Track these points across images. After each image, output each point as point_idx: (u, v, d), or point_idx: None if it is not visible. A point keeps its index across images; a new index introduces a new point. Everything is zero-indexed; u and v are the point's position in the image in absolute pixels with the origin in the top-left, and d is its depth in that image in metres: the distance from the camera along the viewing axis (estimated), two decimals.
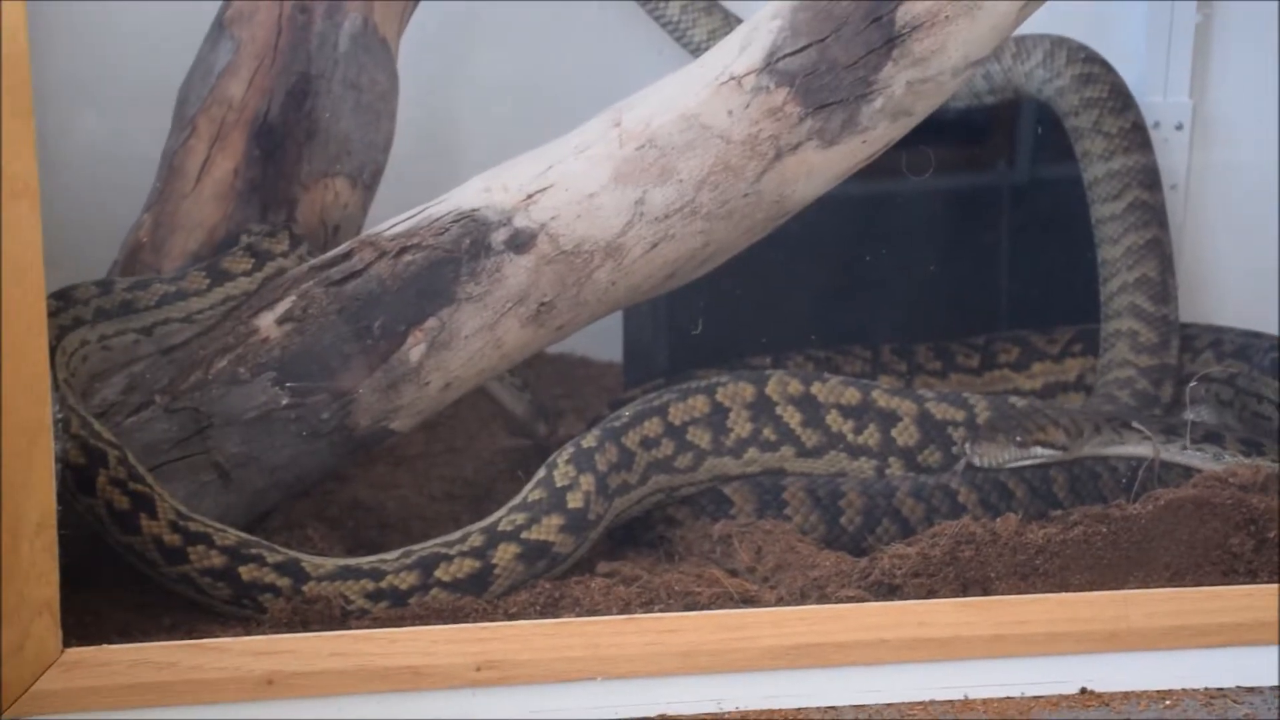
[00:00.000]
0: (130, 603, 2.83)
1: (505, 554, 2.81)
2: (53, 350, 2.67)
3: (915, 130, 2.98)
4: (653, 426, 3.03)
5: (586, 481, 2.90)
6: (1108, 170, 3.53)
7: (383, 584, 2.76)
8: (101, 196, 3.31)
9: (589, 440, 2.96)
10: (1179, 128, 3.72)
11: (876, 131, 2.92)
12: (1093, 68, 3.55)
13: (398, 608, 2.75)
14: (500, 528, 2.84)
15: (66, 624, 2.56)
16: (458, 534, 2.85)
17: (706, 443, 3.05)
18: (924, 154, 3.31)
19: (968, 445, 3.06)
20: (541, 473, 2.94)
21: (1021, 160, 3.74)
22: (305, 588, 2.76)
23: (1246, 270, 3.75)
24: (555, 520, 2.85)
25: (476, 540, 2.82)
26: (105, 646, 2.58)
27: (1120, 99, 3.55)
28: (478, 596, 2.80)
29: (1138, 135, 3.54)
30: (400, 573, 2.77)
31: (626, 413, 3.05)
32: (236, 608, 2.77)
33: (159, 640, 2.65)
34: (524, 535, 2.83)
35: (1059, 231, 3.70)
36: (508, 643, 2.61)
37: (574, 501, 2.87)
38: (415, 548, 2.82)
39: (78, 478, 2.74)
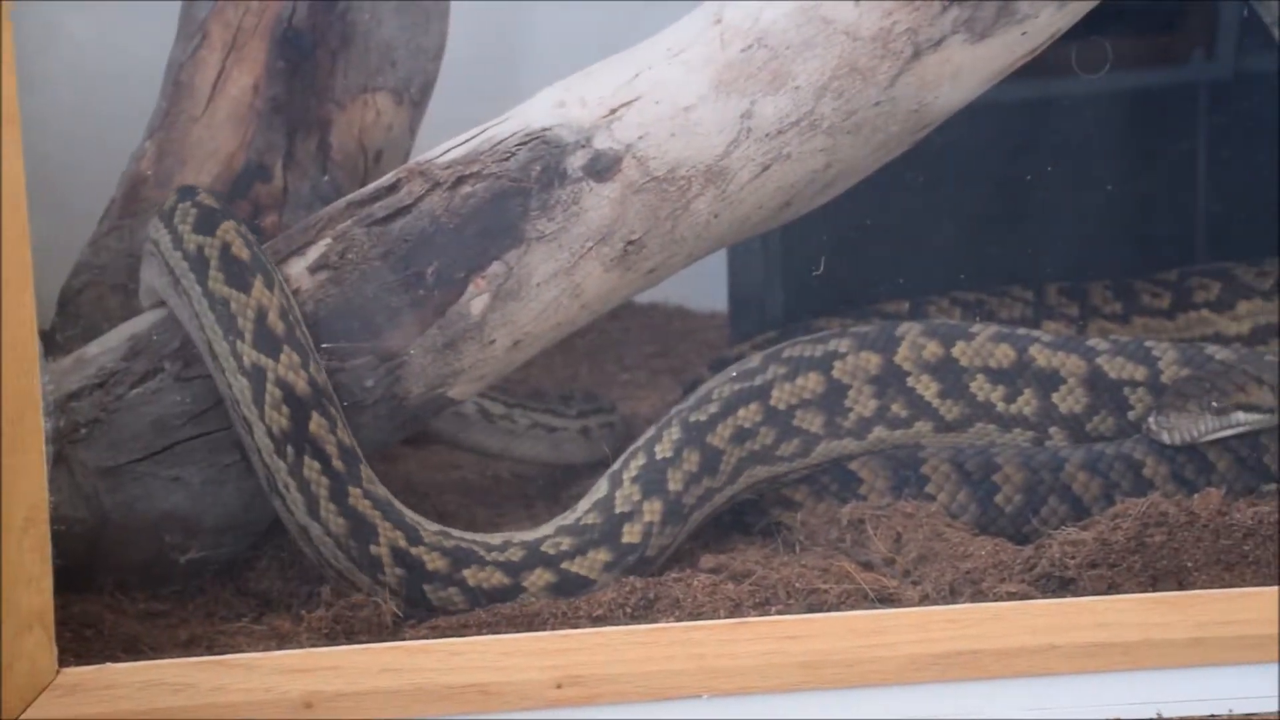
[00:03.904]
0: (138, 612, 2.87)
1: (538, 580, 2.87)
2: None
3: (1088, 17, 2.96)
4: (749, 414, 3.04)
5: (651, 510, 2.94)
6: None
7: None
8: (93, 120, 3.36)
9: (665, 445, 2.99)
10: None
11: (1039, 21, 2.91)
12: None
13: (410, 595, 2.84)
14: (543, 548, 2.89)
15: (62, 639, 2.58)
16: (499, 538, 2.92)
17: (819, 426, 3.07)
18: (1099, 46, 3.28)
19: (1150, 418, 3.04)
20: (604, 487, 2.98)
21: (1223, 51, 3.70)
22: None
23: None
24: (602, 556, 2.90)
25: (514, 555, 2.88)
26: (109, 666, 2.60)
27: None
28: (488, 611, 2.84)
29: None
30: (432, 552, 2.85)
31: (717, 396, 3.05)
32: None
33: (173, 657, 2.67)
34: (563, 565, 2.88)
35: (1270, 139, 3.64)
36: (594, 654, 2.62)
37: (630, 535, 2.92)
38: (454, 534, 2.90)
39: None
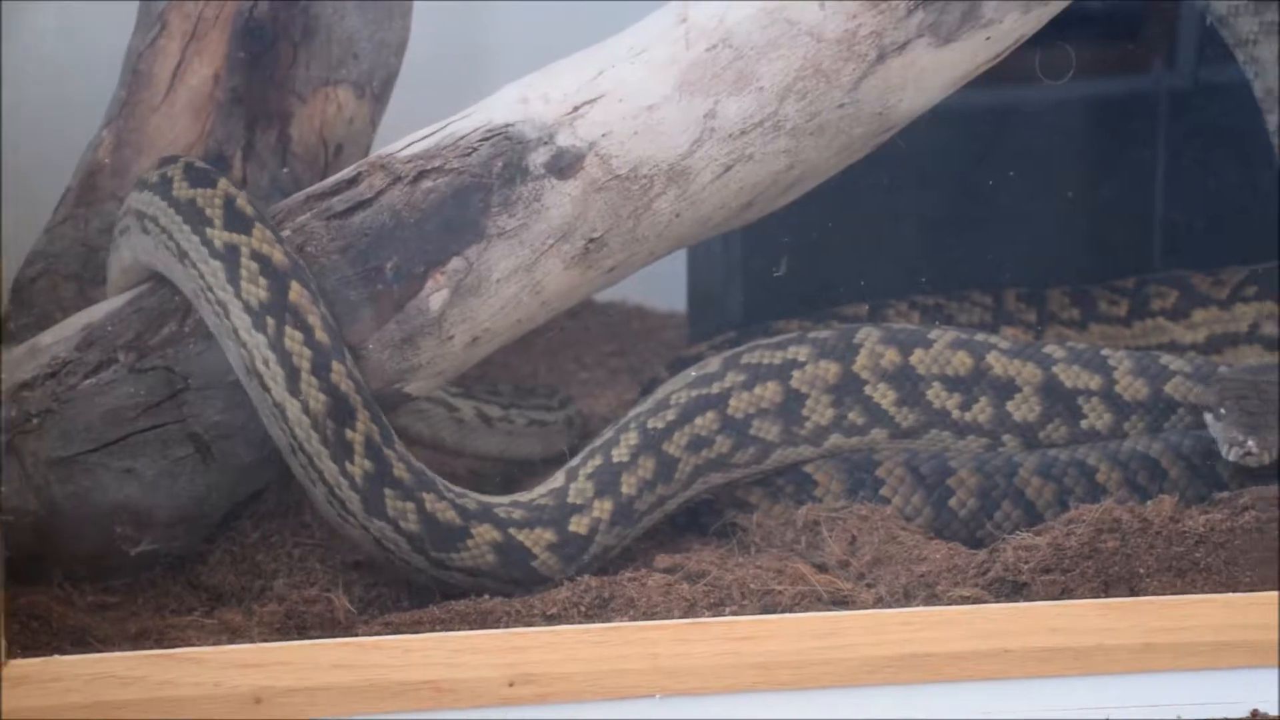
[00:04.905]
0: (87, 604, 2.85)
1: (485, 535, 2.88)
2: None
3: (1052, 24, 2.96)
4: (706, 423, 3.05)
5: (602, 508, 2.95)
6: None
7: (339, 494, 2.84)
8: (49, 108, 3.33)
9: (622, 450, 3.00)
10: None
11: (1004, 25, 2.91)
12: None
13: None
14: (496, 509, 2.92)
15: (10, 631, 2.58)
16: (459, 489, 2.93)
17: (775, 435, 3.08)
18: (1063, 53, 3.27)
19: (1235, 442, 2.97)
20: (560, 479, 2.99)
21: (1184, 61, 3.71)
22: None
23: None
24: (548, 536, 2.91)
25: (470, 504, 2.90)
26: (57, 658, 2.58)
27: None
28: (426, 556, 2.85)
29: None
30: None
31: (675, 401, 3.05)
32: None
33: (123, 650, 2.65)
34: (511, 530, 2.89)
35: (1229, 148, 3.67)
36: (548, 652, 2.62)
37: (577, 526, 2.93)
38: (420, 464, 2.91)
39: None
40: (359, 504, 2.83)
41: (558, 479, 3.00)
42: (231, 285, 2.85)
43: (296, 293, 2.84)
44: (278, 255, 2.85)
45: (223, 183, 2.91)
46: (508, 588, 2.89)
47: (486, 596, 2.84)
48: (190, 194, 2.90)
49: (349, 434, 2.83)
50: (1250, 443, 2.98)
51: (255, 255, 2.85)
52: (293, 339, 2.83)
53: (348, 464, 2.83)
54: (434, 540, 2.86)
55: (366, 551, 2.90)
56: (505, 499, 2.95)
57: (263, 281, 2.83)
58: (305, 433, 2.83)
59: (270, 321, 2.83)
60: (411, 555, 2.86)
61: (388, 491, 2.84)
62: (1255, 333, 3.60)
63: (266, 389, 2.84)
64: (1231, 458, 3.00)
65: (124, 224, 3.00)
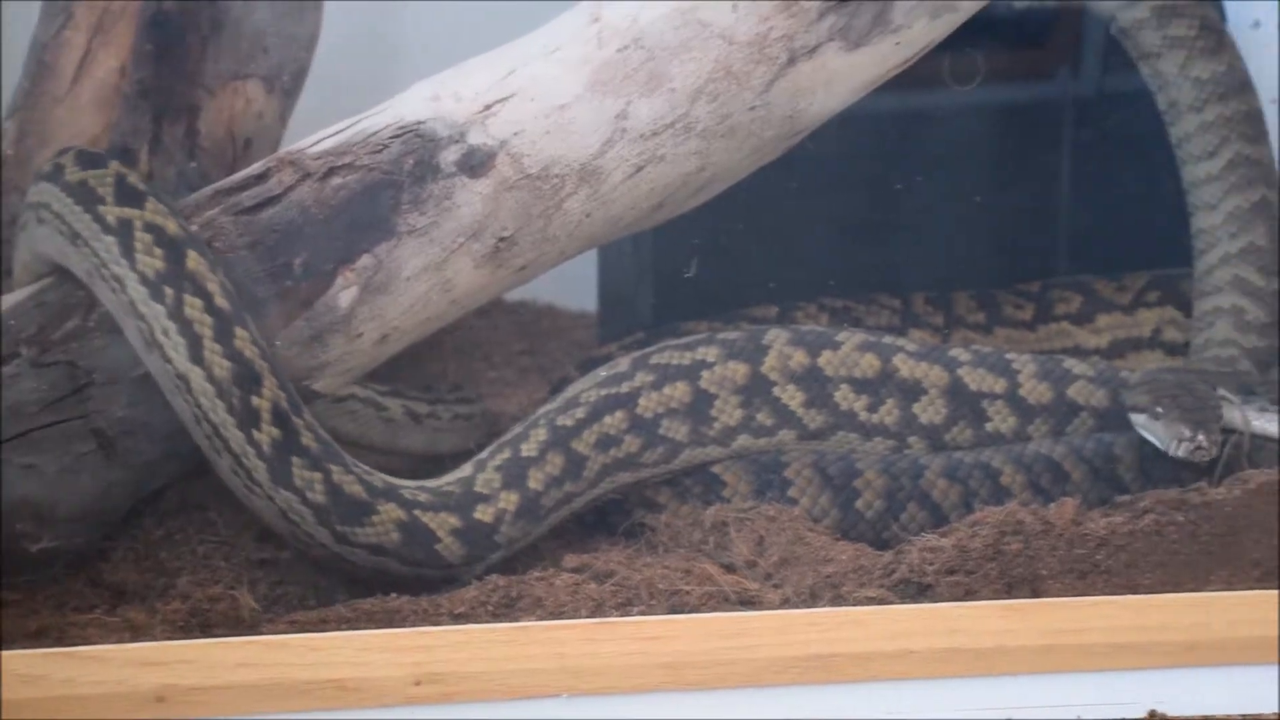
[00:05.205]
0: None
1: (390, 514, 2.87)
2: None
3: (960, 30, 2.98)
4: (615, 422, 3.05)
5: (508, 500, 2.96)
6: (1200, 123, 3.51)
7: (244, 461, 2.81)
8: None
9: (531, 445, 3.00)
10: None
11: (913, 31, 2.92)
12: None
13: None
14: (403, 490, 2.91)
15: None
16: (367, 467, 2.92)
17: (684, 435, 3.09)
18: (971, 60, 3.31)
19: (1184, 437, 2.99)
20: (468, 469, 3.00)
21: (1089, 68, 3.75)
22: None
23: None
24: (452, 521, 2.91)
25: (377, 481, 2.89)
26: None
27: (1213, 38, 3.52)
28: (331, 530, 2.83)
29: (1234, 79, 3.52)
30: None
31: (584, 400, 3.05)
32: None
33: (23, 648, 2.62)
34: (416, 512, 2.89)
35: (1133, 155, 3.71)
36: (454, 651, 2.60)
37: (482, 515, 2.93)
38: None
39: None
40: (265, 473, 2.81)
41: (465, 469, 2.99)
42: (126, 259, 2.80)
43: (194, 261, 2.80)
44: (172, 226, 2.82)
45: (114, 164, 2.88)
46: (410, 570, 2.88)
47: (394, 595, 2.82)
48: (81, 176, 2.86)
49: (255, 400, 2.79)
50: (1201, 437, 3.00)
51: (149, 227, 2.81)
52: (192, 306, 2.79)
53: (254, 431, 2.80)
54: (340, 514, 2.83)
55: (270, 524, 2.86)
56: (411, 483, 2.94)
57: (158, 252, 2.80)
58: (210, 402, 2.80)
59: (168, 291, 2.79)
60: (316, 528, 2.84)
61: (295, 460, 2.81)
62: (1158, 338, 3.64)
63: (168, 360, 2.80)
64: (1181, 453, 3.00)
65: (24, 218, 2.96)
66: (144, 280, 2.80)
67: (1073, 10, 3.66)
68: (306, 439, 2.83)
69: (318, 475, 2.82)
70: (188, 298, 2.79)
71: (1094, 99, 3.74)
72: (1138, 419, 3.09)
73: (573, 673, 2.61)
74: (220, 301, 2.80)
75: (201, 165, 3.18)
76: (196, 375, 2.80)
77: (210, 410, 2.80)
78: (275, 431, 2.81)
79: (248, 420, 2.80)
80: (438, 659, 2.59)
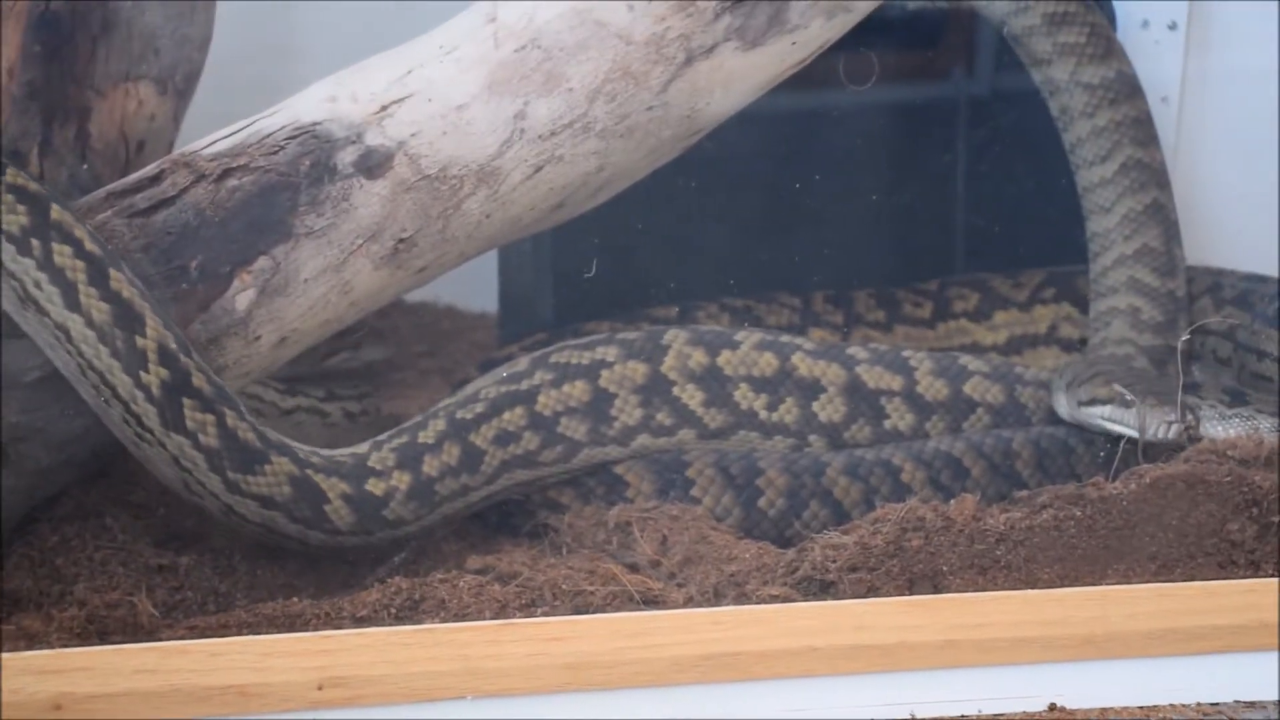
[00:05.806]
0: None
1: (282, 466, 2.85)
2: None
3: (855, 31, 3.00)
4: (514, 418, 3.05)
5: (400, 479, 2.95)
6: (1092, 128, 3.56)
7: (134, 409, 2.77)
8: None
9: (429, 433, 2.99)
10: (1172, 27, 3.76)
11: (809, 31, 2.94)
12: (1068, 5, 3.56)
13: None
14: (298, 451, 2.90)
15: None
16: (261, 424, 2.91)
17: (583, 434, 3.09)
18: (866, 60, 3.33)
19: (1171, 420, 2.98)
20: (364, 448, 2.98)
21: (982, 68, 3.78)
22: None
23: (1247, 197, 3.80)
24: (344, 487, 2.89)
25: (273, 436, 2.87)
26: None
27: (1102, 44, 3.57)
28: (223, 477, 2.80)
29: (1124, 84, 3.56)
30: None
31: (484, 396, 3.05)
32: None
33: None
34: (308, 471, 2.87)
35: (1027, 154, 3.75)
36: (357, 655, 2.60)
37: (374, 488, 2.92)
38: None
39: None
40: (156, 417, 2.75)
41: (361, 447, 2.98)
42: None
43: (58, 213, 2.75)
44: (32, 186, 2.76)
45: None
46: (297, 529, 2.86)
47: (295, 599, 2.80)
48: None
49: (139, 341, 2.73)
50: (1189, 416, 3.01)
51: (11, 188, 2.74)
52: (62, 254, 2.73)
53: (142, 374, 2.73)
54: (232, 459, 2.80)
55: (162, 475, 2.81)
56: (305, 447, 2.92)
57: (21, 209, 2.73)
58: (93, 348, 2.73)
59: (35, 243, 2.73)
60: (208, 475, 2.80)
61: (186, 402, 2.76)
62: (1054, 334, 3.68)
63: (45, 313, 2.73)
64: (1171, 435, 3.00)
65: None
66: (10, 238, 2.72)
67: (966, 11, 3.70)
68: (198, 380, 2.78)
69: (210, 418, 2.78)
70: (56, 245, 2.73)
71: (988, 98, 3.77)
72: (1099, 411, 3.10)
73: (477, 674, 2.60)
74: (91, 247, 2.74)
75: (93, 167, 3.14)
76: (75, 322, 2.73)
77: (94, 357, 2.74)
78: (163, 372, 2.75)
79: (134, 363, 2.74)
80: (341, 663, 2.58)
